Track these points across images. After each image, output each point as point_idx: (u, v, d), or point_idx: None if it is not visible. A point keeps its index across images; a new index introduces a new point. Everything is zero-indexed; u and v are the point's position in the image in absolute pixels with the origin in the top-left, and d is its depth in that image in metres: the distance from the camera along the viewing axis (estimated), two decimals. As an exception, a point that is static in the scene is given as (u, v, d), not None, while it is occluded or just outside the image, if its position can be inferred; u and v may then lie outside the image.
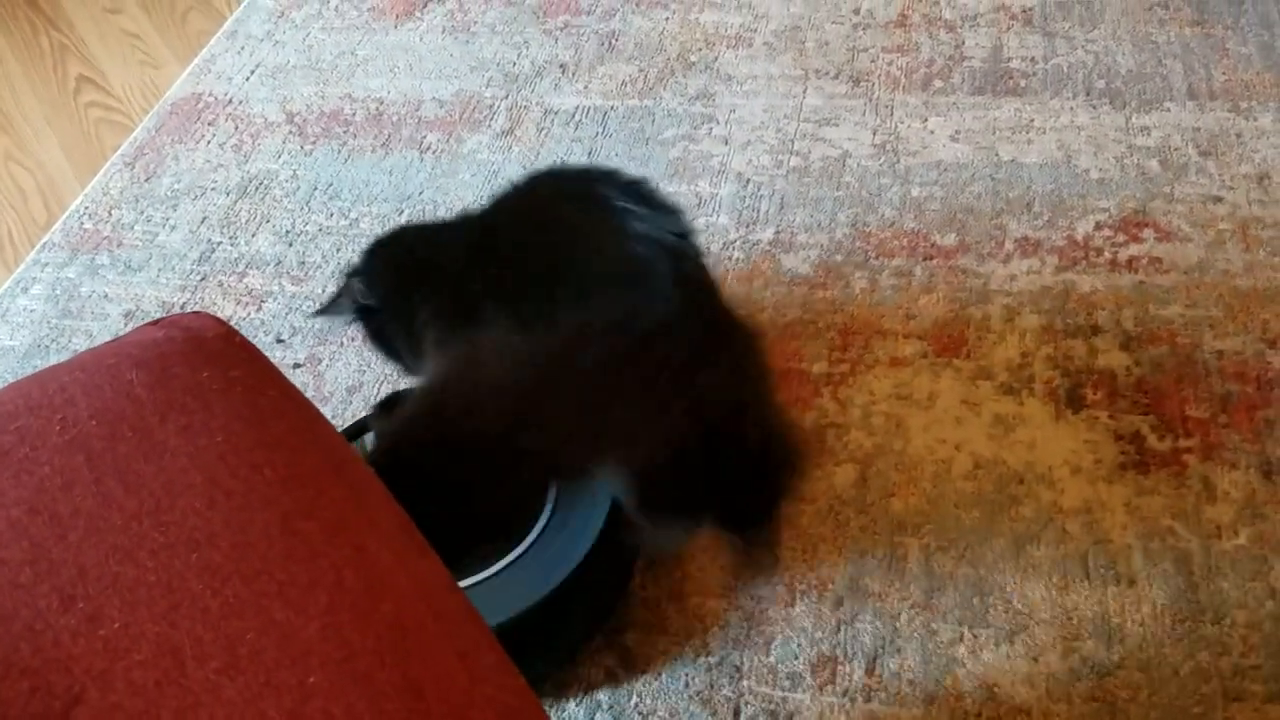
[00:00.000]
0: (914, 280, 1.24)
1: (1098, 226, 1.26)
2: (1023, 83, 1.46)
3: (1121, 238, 1.24)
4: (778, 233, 1.31)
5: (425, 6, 1.78)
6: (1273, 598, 0.92)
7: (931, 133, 1.42)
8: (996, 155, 1.37)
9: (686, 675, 0.93)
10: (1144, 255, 1.21)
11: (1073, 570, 0.96)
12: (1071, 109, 1.41)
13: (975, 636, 0.93)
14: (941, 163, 1.37)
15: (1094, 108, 1.40)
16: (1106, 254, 1.22)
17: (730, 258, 1.29)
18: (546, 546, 0.90)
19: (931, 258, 1.26)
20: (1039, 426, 1.08)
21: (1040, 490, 1.03)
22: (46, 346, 1.29)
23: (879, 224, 1.31)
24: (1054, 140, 1.37)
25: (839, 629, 0.94)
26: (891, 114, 1.45)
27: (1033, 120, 1.40)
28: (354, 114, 1.58)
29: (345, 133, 1.55)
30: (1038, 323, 1.17)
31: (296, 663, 0.40)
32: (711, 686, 0.92)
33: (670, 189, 1.37)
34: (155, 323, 0.56)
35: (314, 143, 1.54)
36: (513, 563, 0.89)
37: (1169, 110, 1.38)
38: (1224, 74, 1.42)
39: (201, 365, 0.51)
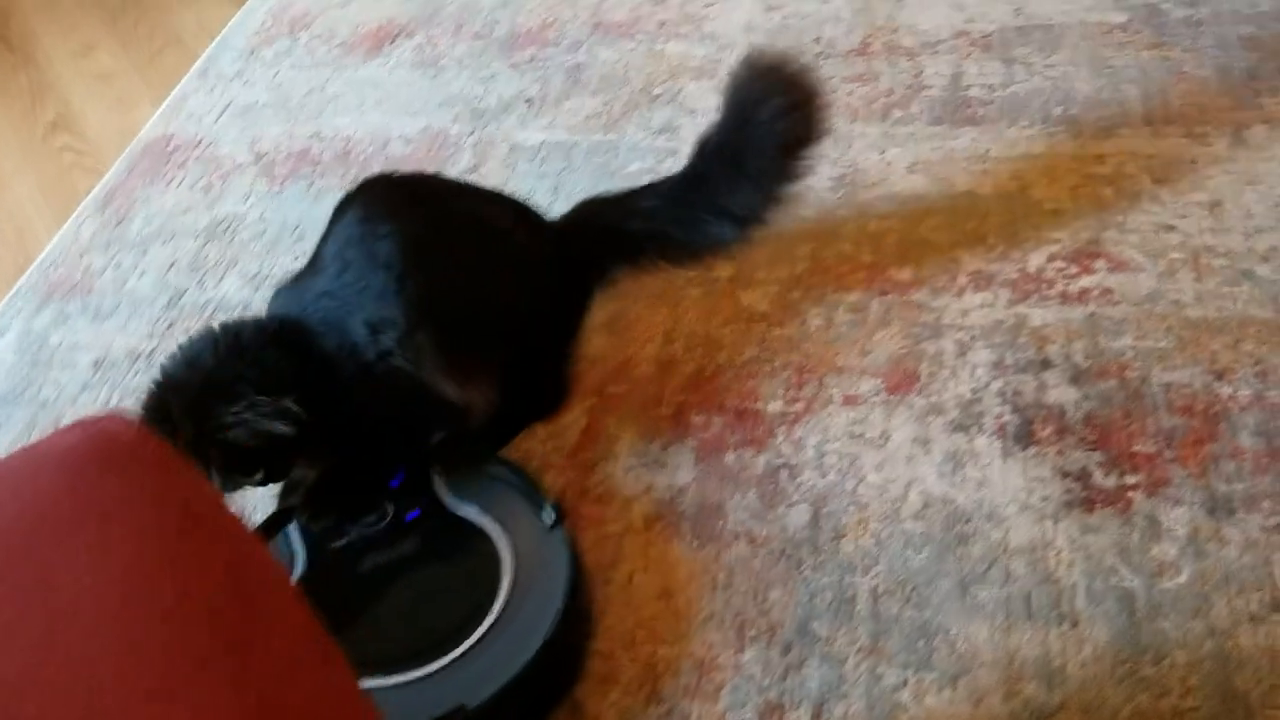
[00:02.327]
0: (870, 315, 1.25)
1: (1050, 258, 1.27)
2: (980, 111, 1.47)
3: (1074, 269, 1.25)
4: (738, 269, 1.33)
5: (394, 41, 1.79)
6: (1212, 637, 0.93)
7: (889, 164, 1.43)
8: (953, 186, 1.38)
9: (636, 724, 0.94)
10: (1096, 287, 1.23)
11: (1016, 611, 0.98)
12: (1028, 137, 1.42)
13: (919, 680, 0.94)
14: (899, 195, 1.39)
15: (1050, 136, 1.41)
16: (1059, 286, 1.24)
17: (690, 295, 1.30)
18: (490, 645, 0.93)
19: (887, 292, 1.27)
20: (988, 464, 1.09)
21: (988, 529, 1.04)
22: (16, 397, 1.31)
23: (836, 258, 1.32)
24: (1009, 170, 1.38)
25: (786, 675, 0.96)
26: (850, 145, 1.47)
27: (989, 150, 1.41)
28: (322, 153, 1.59)
29: (313, 172, 1.56)
30: (989, 358, 1.18)
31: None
32: (660, 735, 0.93)
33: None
34: (73, 426, 0.57)
35: (282, 183, 1.55)
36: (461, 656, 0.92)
37: (1124, 137, 1.39)
38: (1180, 99, 1.43)
39: (112, 476, 0.53)
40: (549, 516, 1.00)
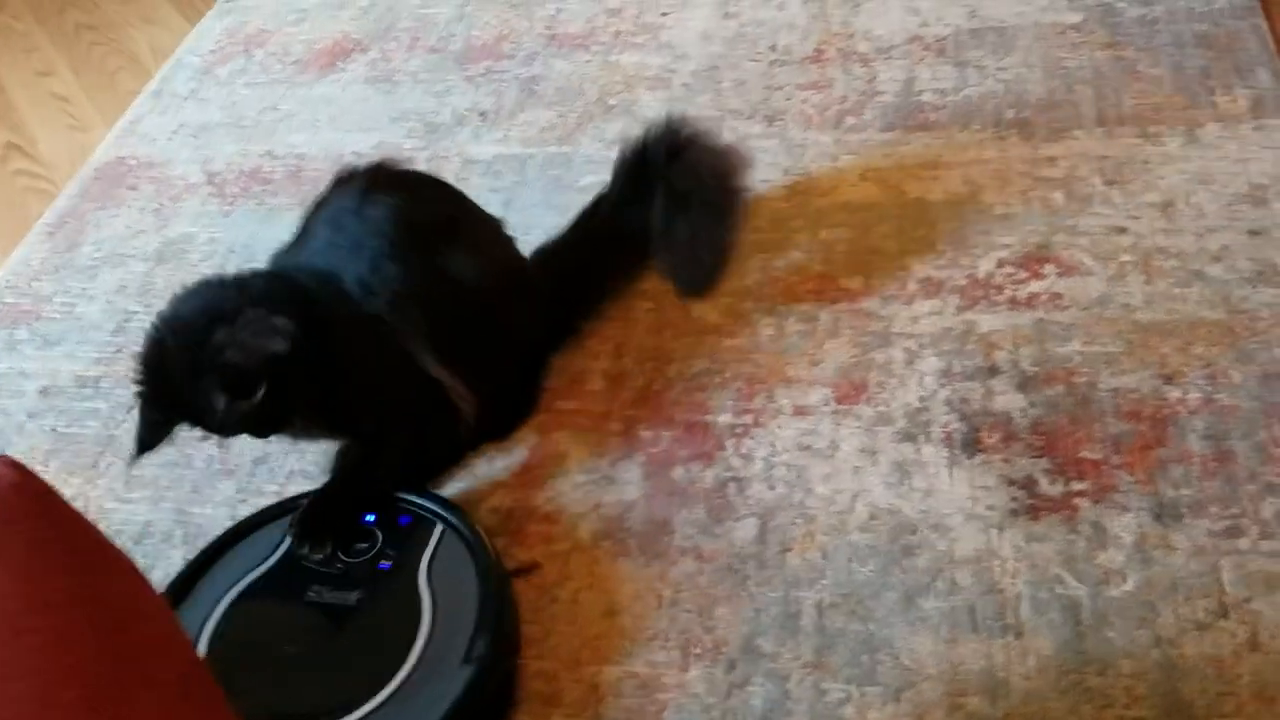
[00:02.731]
0: (819, 325, 1.24)
1: (1000, 264, 1.26)
2: (933, 116, 1.47)
3: (1023, 274, 1.24)
4: (688, 280, 1.32)
5: (349, 57, 1.78)
6: (1158, 646, 0.92)
7: (841, 172, 1.42)
8: (904, 194, 1.37)
9: (578, 747, 0.93)
10: (1044, 292, 1.22)
11: (961, 622, 0.97)
12: (980, 141, 1.41)
13: (863, 696, 0.93)
14: (850, 203, 1.38)
15: (1002, 139, 1.41)
16: (1008, 291, 1.23)
17: (642, 307, 1.30)
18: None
19: (838, 301, 1.26)
20: (935, 473, 1.08)
21: (934, 539, 1.03)
22: (-38, 427, 1.30)
23: (788, 268, 1.31)
24: (960, 176, 1.37)
25: (730, 694, 0.95)
26: (804, 154, 1.46)
27: (941, 155, 1.41)
28: (274, 171, 1.58)
29: (264, 191, 1.55)
30: (937, 365, 1.17)
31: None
32: (602, 758, 0.92)
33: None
34: (-42, 467, 0.56)
35: (232, 203, 1.54)
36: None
37: (1077, 138, 1.38)
38: (1134, 98, 1.42)
39: (-13, 515, 0.52)
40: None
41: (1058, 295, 1.21)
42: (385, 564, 1.02)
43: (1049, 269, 1.24)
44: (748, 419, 1.16)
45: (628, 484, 1.11)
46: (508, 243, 1.22)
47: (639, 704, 0.95)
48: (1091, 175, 1.33)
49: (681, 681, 0.96)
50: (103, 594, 0.52)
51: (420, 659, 0.93)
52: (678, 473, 1.11)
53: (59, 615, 0.48)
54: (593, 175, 1.47)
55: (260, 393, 0.98)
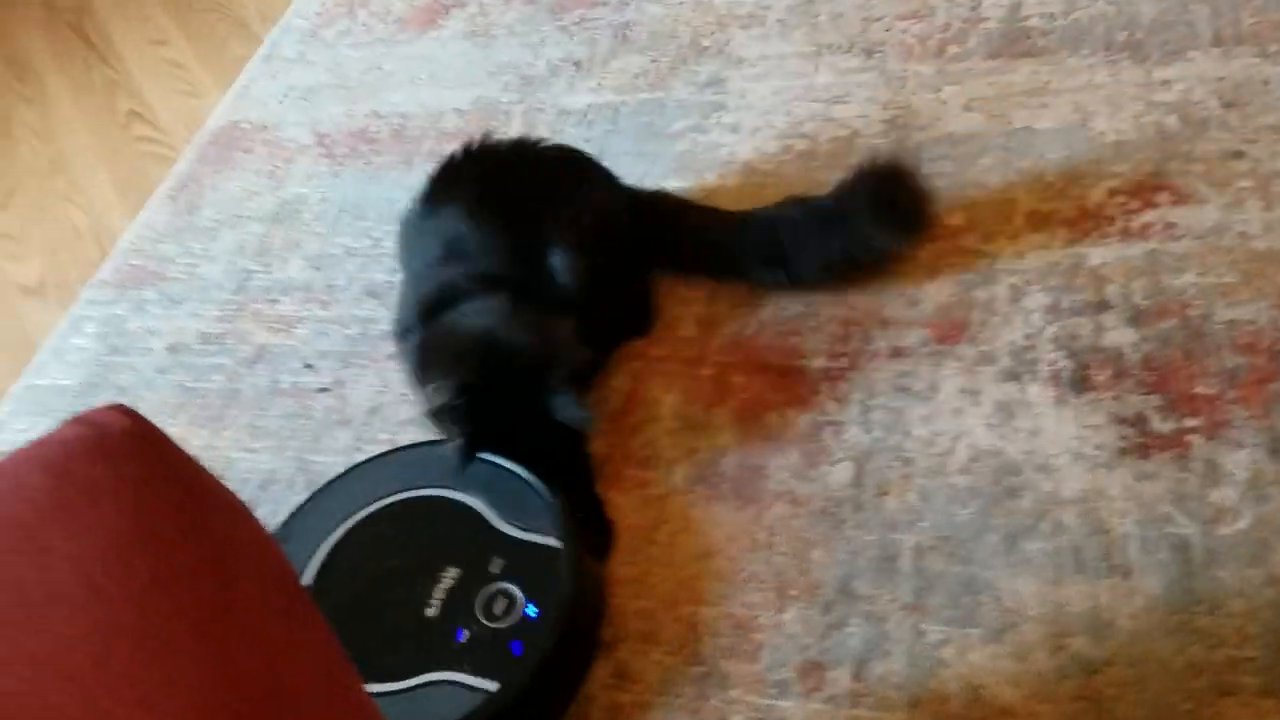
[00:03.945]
0: (918, 264, 1.22)
1: (1111, 194, 1.21)
2: (1040, 42, 1.41)
3: (1135, 204, 1.19)
4: (784, 223, 1.30)
5: (447, 13, 1.80)
6: (1272, 585, 0.89)
7: (944, 103, 1.38)
8: (1009, 123, 1.32)
9: (676, 686, 0.95)
10: (1158, 221, 1.17)
11: (1065, 563, 0.95)
12: (1090, 67, 1.35)
13: (963, 637, 0.93)
14: (953, 135, 1.34)
15: (1113, 63, 1.34)
16: (1119, 222, 1.18)
17: (736, 252, 1.29)
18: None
19: (938, 238, 1.23)
20: (1040, 413, 1.06)
21: (1038, 480, 1.01)
22: (96, 384, 1.38)
23: (887, 206, 1.29)
24: (1070, 103, 1.32)
25: (827, 634, 0.95)
26: (904, 86, 1.42)
27: (1048, 82, 1.35)
28: (379, 131, 1.62)
29: (370, 151, 1.59)
30: (1044, 301, 1.14)
31: (144, 768, 0.43)
32: (700, 696, 0.94)
33: (676, 185, 1.38)
34: (74, 420, 0.60)
35: (341, 163, 1.59)
36: None
37: (1192, 60, 1.31)
38: (1252, 16, 1.34)
39: (99, 463, 0.55)
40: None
41: (1171, 225, 1.16)
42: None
43: (1162, 197, 1.19)
44: (843, 362, 1.15)
45: (721, 429, 1.12)
46: (591, 180, 1.27)
47: (735, 643, 0.96)
48: (1207, 98, 1.26)
49: (777, 622, 0.97)
50: (209, 530, 0.55)
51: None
52: (771, 418, 1.11)
53: (167, 550, 0.51)
54: (684, 120, 1.47)
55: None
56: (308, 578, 1.02)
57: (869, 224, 1.18)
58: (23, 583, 0.50)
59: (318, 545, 1.05)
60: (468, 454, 1.05)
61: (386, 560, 1.04)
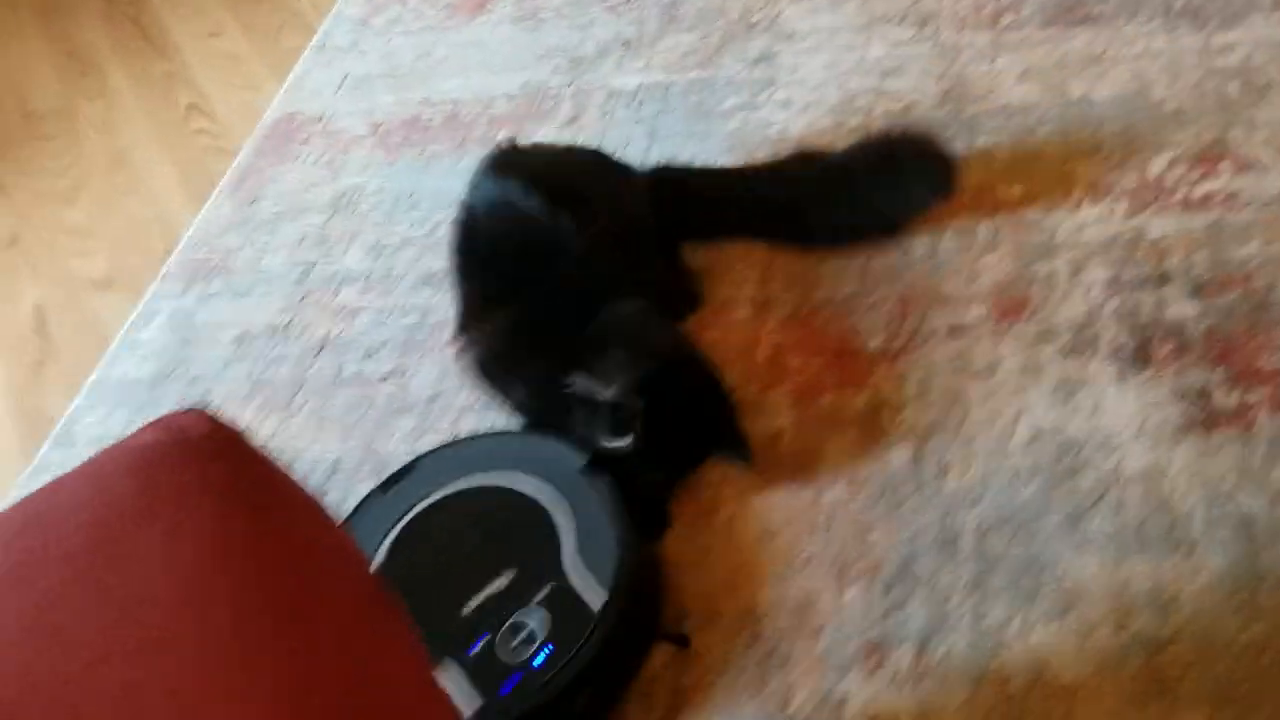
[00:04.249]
0: (977, 239, 1.21)
1: (1171, 163, 1.19)
2: (1096, 9, 1.38)
3: (1196, 173, 1.17)
4: (837, 201, 1.30)
5: (496, -3, 1.81)
6: (1342, 563, 0.88)
7: (999, 74, 1.36)
8: (1066, 93, 1.31)
9: (738, 667, 0.96)
10: (1220, 191, 1.15)
11: (1128, 542, 0.94)
12: (1147, 33, 1.33)
13: (1025, 616, 0.93)
14: (1008, 107, 1.33)
15: (1171, 29, 1.32)
16: (1180, 193, 1.16)
17: (789, 232, 1.29)
18: None
19: (996, 212, 1.22)
20: (1102, 389, 1.05)
21: (1100, 459, 1.00)
22: (168, 375, 1.41)
23: (942, 181, 1.28)
24: (1127, 71, 1.30)
25: (888, 615, 0.96)
26: (958, 57, 1.41)
27: (1105, 50, 1.33)
28: (431, 119, 1.63)
29: (423, 139, 1.61)
30: (1104, 275, 1.13)
31: (234, 763, 0.46)
32: (761, 678, 0.95)
33: (728, 161, 1.38)
34: (154, 423, 0.62)
35: (395, 153, 1.61)
36: None
37: (1253, 24, 1.28)
38: (1320, -28, 1.30)
39: (184, 467, 0.58)
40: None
41: (1234, 194, 1.14)
42: None
43: (1224, 166, 1.17)
44: (900, 342, 1.15)
45: (776, 412, 1.12)
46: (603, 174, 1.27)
47: (795, 624, 0.97)
48: (1269, 63, 1.24)
49: (838, 604, 0.98)
50: (290, 530, 0.57)
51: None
52: (827, 399, 1.11)
53: (252, 552, 0.54)
54: (735, 97, 1.46)
55: None
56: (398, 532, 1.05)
57: (886, 189, 1.20)
58: (113, 585, 0.52)
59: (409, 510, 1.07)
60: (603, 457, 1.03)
61: (466, 543, 1.05)
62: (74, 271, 1.68)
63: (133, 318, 1.52)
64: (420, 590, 0.98)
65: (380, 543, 1.06)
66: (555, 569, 0.98)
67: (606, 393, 0.99)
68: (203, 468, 0.58)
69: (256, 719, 0.48)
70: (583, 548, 0.99)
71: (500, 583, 0.99)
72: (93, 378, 1.46)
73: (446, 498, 1.08)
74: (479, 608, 0.98)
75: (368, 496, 1.11)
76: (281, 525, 0.57)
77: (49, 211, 1.78)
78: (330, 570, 0.56)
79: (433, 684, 0.57)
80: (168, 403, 1.39)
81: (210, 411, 0.64)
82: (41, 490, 0.60)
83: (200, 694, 0.48)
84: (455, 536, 1.06)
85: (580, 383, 1.01)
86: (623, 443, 0.99)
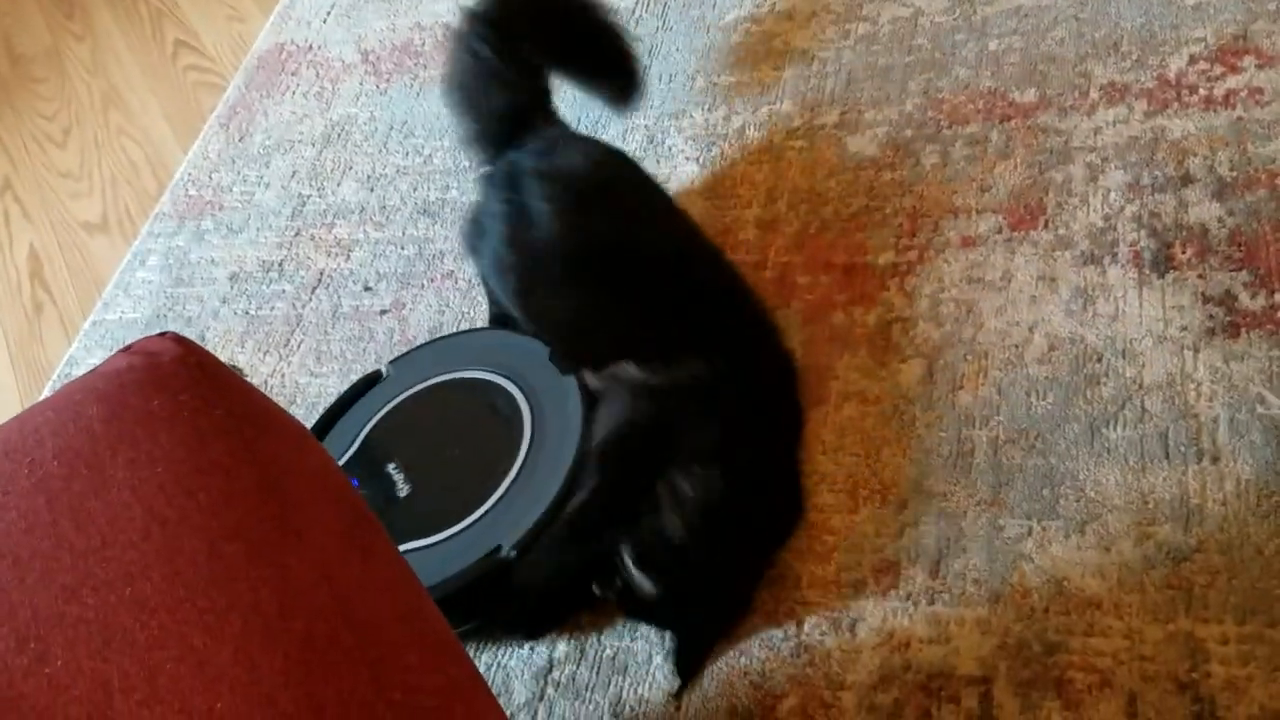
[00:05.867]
0: (989, 147, 1.16)
1: (1192, 60, 1.14)
2: (1111, -99, 1.31)
3: (1218, 70, 1.12)
4: (843, 113, 1.25)
5: (486, -84, 1.74)
6: (1375, 465, 0.85)
7: (1010, -26, 1.30)
8: (1081, -9, 1.25)
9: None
10: (1243, 87, 1.10)
11: (1151, 450, 0.91)
12: (1167, -76, 1.26)
13: (1044, 530, 0.90)
14: (1021, 8, 1.27)
15: (1193, -82, 1.25)
16: (1201, 91, 1.11)
17: (794, 147, 1.25)
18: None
19: (1009, 118, 1.18)
20: (1122, 296, 1.01)
21: (1120, 366, 0.97)
22: (164, 315, 1.39)
23: (952, 88, 1.23)
24: (1145, -35, 1.24)
25: (901, 533, 0.93)
26: (968, -41, 1.34)
27: (1122, -56, 1.27)
28: (423, 43, 1.59)
29: (416, 65, 1.56)
30: (1123, 179, 1.08)
31: (208, 689, 0.43)
32: (774, 598, 0.93)
33: (731, 79, 1.33)
34: (125, 349, 0.60)
35: (388, 80, 1.56)
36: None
37: (1280, -92, 1.22)
38: None
39: (154, 393, 0.55)
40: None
41: (1258, 90, 1.09)
42: None
43: (1247, 61, 1.11)
44: (911, 256, 1.11)
45: (787, 332, 1.09)
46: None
47: (808, 545, 0.95)
48: (1300, -53, 1.18)
49: (850, 523, 0.95)
50: (266, 454, 0.54)
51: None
52: (837, 317, 1.08)
53: (223, 475, 0.51)
54: (736, 10, 1.41)
55: None
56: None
57: None
58: (86, 512, 0.50)
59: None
60: None
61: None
62: (69, 213, 1.65)
63: (127, 259, 1.49)
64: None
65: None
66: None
67: (646, 585, 0.93)
68: (174, 392, 0.55)
69: (229, 646, 0.45)
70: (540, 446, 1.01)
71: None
72: (89, 321, 1.43)
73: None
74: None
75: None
76: (256, 450, 0.54)
77: (40, 155, 1.75)
78: (309, 495, 0.54)
79: (419, 616, 0.54)
80: (165, 343, 1.36)
81: (182, 336, 0.61)
82: (12, 420, 0.57)
83: (172, 621, 0.46)
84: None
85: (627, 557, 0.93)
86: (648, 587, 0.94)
